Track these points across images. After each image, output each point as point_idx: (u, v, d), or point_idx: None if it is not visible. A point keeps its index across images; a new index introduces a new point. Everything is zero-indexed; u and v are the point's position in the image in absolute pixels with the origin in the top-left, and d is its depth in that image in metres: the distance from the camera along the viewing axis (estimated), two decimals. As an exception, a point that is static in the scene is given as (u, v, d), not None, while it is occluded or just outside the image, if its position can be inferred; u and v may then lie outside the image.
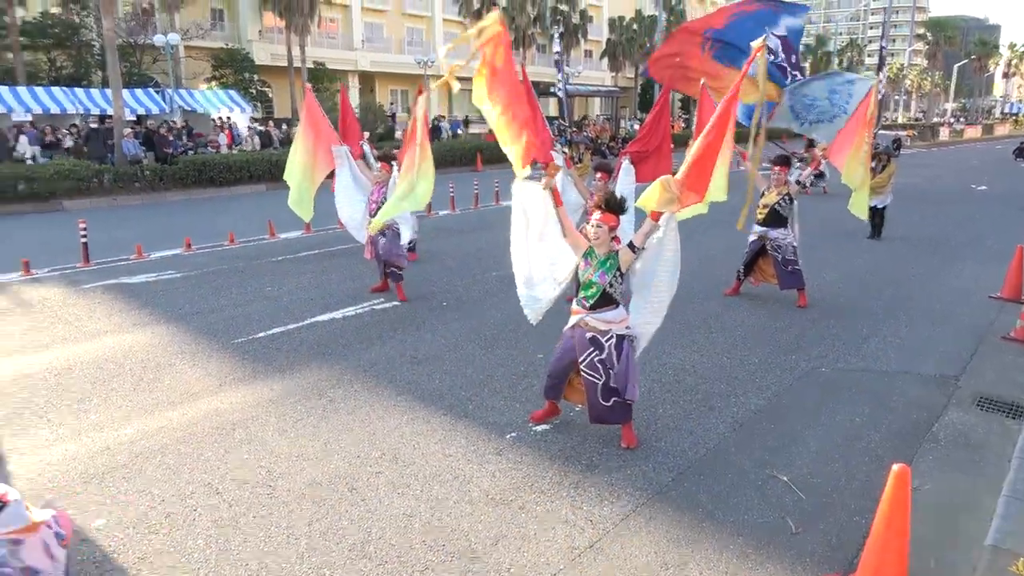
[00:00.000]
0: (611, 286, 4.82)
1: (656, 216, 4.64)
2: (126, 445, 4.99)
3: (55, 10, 30.74)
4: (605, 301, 4.82)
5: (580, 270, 4.89)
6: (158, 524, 4.06)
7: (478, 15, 37.17)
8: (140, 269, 10.40)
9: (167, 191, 19.65)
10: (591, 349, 4.86)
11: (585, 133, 35.93)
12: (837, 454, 4.92)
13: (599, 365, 4.85)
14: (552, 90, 47.10)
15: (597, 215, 4.78)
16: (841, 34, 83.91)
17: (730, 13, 8.53)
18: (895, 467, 3.28)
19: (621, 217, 4.82)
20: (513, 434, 5.19)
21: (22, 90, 25.01)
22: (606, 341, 4.84)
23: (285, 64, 33.78)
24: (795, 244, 8.48)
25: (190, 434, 5.17)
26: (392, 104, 43.82)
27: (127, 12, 30.89)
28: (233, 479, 4.54)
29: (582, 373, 4.91)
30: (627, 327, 4.90)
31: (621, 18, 53.42)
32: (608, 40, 53.73)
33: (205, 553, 3.81)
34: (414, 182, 6.17)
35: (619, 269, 4.81)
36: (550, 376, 5.20)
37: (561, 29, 39.69)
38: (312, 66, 35.24)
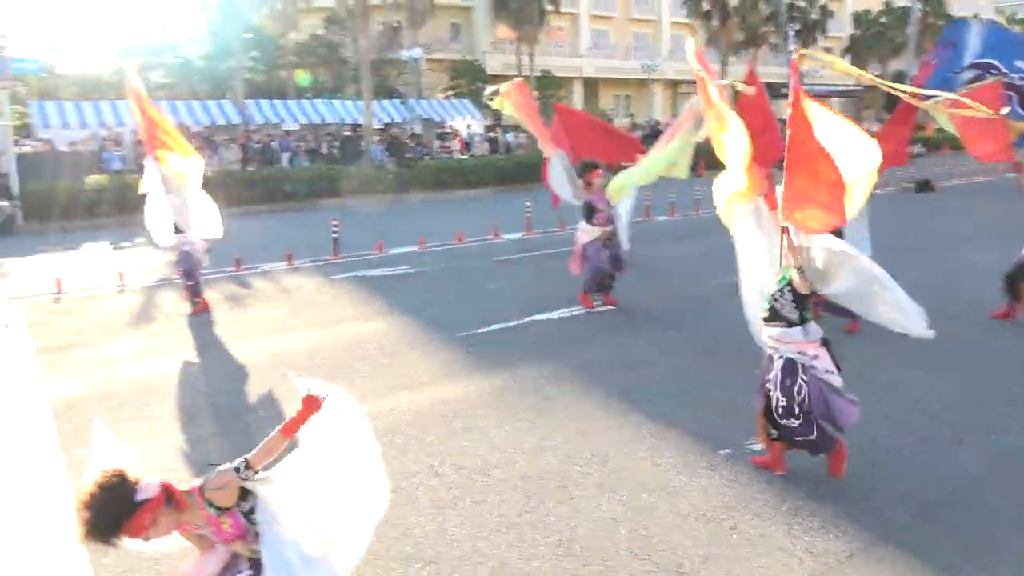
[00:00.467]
0: (776, 300, 4.43)
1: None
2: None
3: (321, 32, 34.78)
4: (773, 316, 4.45)
5: None
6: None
7: (707, 16, 36.18)
8: (380, 264, 11.42)
9: (406, 193, 21.36)
10: (770, 366, 4.59)
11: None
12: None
13: (771, 382, 4.53)
14: (783, 90, 44.65)
15: None
16: None
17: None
18: None
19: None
20: (728, 450, 4.99)
21: (291, 103, 28.59)
22: (776, 360, 4.49)
23: (515, 73, 35.26)
24: None
25: (417, 418, 5.58)
26: (613, 110, 43.99)
27: (379, 30, 34.09)
28: (452, 464, 4.83)
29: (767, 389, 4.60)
30: (801, 352, 4.39)
31: (867, 11, 49.09)
32: (851, 36, 49.67)
33: (425, 529, 4.10)
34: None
35: (790, 285, 4.38)
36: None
37: (797, 27, 37.42)
38: (539, 74, 36.42)
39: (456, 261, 11.62)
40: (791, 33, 34.60)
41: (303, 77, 33.08)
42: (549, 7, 33.65)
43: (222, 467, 2.68)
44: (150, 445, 5.17)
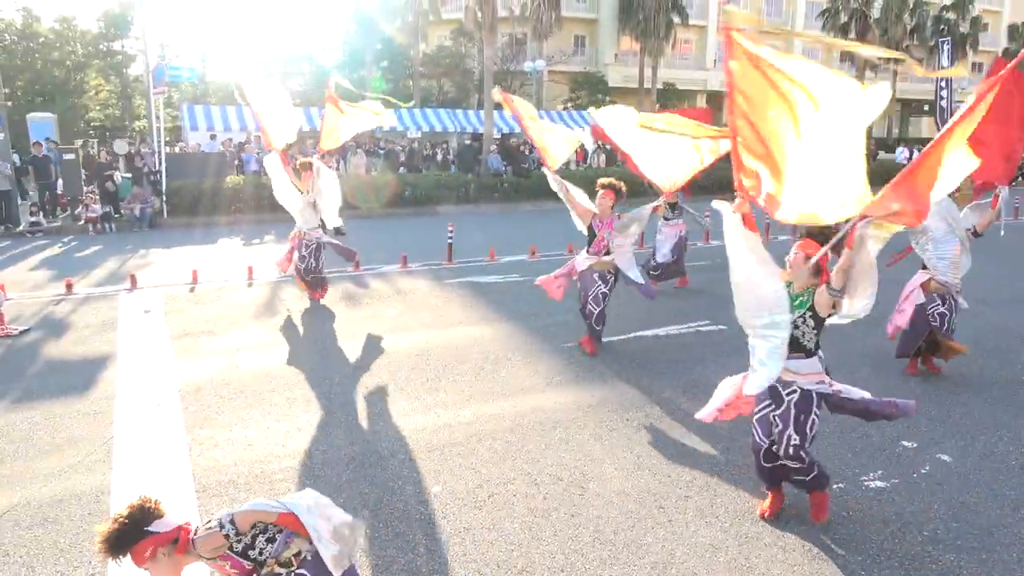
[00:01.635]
0: (798, 328, 3.98)
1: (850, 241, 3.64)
2: (464, 425, 5.59)
3: (447, 43, 35.87)
4: (792, 347, 3.98)
5: None
6: (483, 501, 4.47)
7: (843, 30, 34.53)
8: (491, 270, 11.58)
9: (520, 201, 21.60)
10: (767, 401, 4.14)
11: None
12: None
13: (775, 420, 4.09)
14: (925, 107, 41.93)
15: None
16: None
17: None
18: None
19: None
20: (841, 485, 4.71)
21: (416, 111, 29.57)
22: (787, 395, 4.06)
23: (635, 86, 34.99)
24: None
25: (517, 425, 5.61)
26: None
27: (504, 42, 34.75)
28: (550, 474, 4.82)
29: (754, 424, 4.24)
30: (820, 382, 4.04)
31: (1025, 24, 45.46)
32: (1005, 50, 46.05)
33: (519, 537, 4.10)
34: None
35: (812, 310, 3.97)
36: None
37: (949, 39, 34.97)
38: (661, 86, 35.95)
39: (566, 272, 11.60)
40: (945, 46, 32.29)
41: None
42: (676, 19, 33.17)
43: (211, 527, 2.80)
44: (264, 429, 5.45)
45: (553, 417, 5.77)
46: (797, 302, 4.02)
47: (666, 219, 10.18)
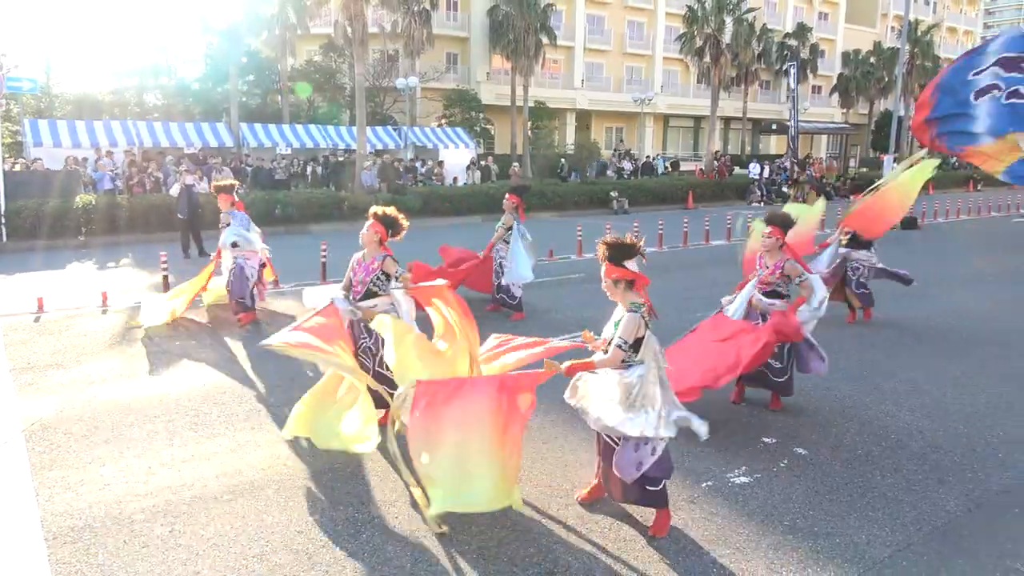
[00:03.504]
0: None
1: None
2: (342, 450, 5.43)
3: (317, 58, 35.11)
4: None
5: None
6: (363, 525, 4.36)
7: (699, 53, 36.71)
8: (367, 289, 11.35)
9: (396, 219, 21.42)
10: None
11: (809, 172, 33.92)
12: (1106, 555, 4.13)
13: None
14: (773, 126, 45.25)
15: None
16: None
17: (928, 95, 7.26)
18: None
19: None
20: (709, 483, 4.95)
21: (285, 127, 28.71)
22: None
23: (508, 103, 35.63)
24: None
25: (399, 447, 5.50)
26: (615, 149, 44.42)
27: (375, 58, 34.43)
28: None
29: (603, 436, 4.39)
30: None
31: (856, 51, 50.10)
32: (840, 75, 50.59)
33: (401, 560, 4.02)
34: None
35: (622, 336, 4.13)
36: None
37: (796, 63, 37.97)
38: (533, 104, 36.80)
39: (444, 288, 11.59)
40: (792, 70, 35.06)
41: (304, 88, 33.29)
42: (545, 40, 34.10)
43: None
44: (123, 467, 5.08)
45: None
46: (615, 325, 4.23)
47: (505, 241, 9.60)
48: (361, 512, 4.52)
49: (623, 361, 4.17)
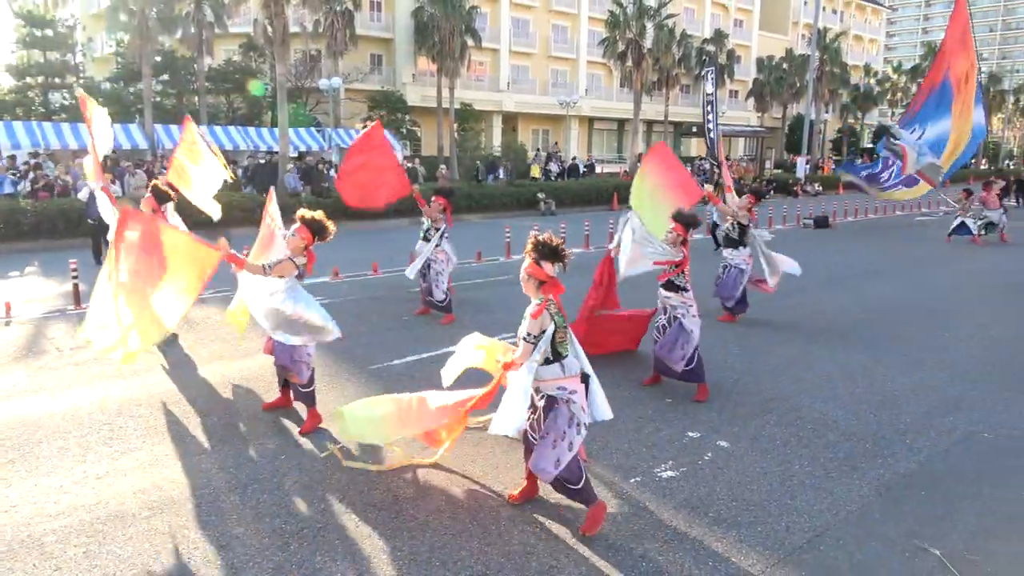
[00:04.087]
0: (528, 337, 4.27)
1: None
2: (270, 459, 5.30)
3: (236, 58, 34.12)
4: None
5: None
6: (290, 537, 4.26)
7: (621, 57, 37.42)
8: (292, 294, 11.10)
9: (321, 223, 21.01)
10: (529, 408, 4.31)
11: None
12: (1000, 531, 4.42)
13: (535, 426, 4.36)
14: (694, 129, 46.59)
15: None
16: (1019, 71, 77.05)
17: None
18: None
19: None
20: (637, 478, 5.06)
21: (203, 129, 27.78)
22: (538, 400, 4.32)
23: (435, 105, 35.49)
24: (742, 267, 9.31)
25: (326, 457, 5.42)
26: (539, 149, 44.77)
27: (297, 59, 33.70)
28: (363, 501, 4.70)
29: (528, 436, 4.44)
30: (560, 387, 4.24)
31: (771, 57, 52.05)
32: (755, 80, 52.45)
33: (331, 570, 3.95)
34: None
35: (528, 330, 4.24)
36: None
37: (714, 68, 39.09)
38: (459, 106, 36.75)
39: (371, 292, 11.46)
40: (709, 75, 36.15)
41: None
42: (470, 42, 34.10)
43: None
44: (31, 487, 4.82)
45: (362, 443, 5.64)
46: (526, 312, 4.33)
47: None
48: (288, 523, 4.42)
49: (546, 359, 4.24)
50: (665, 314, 6.78)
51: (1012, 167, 63.84)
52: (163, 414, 6.18)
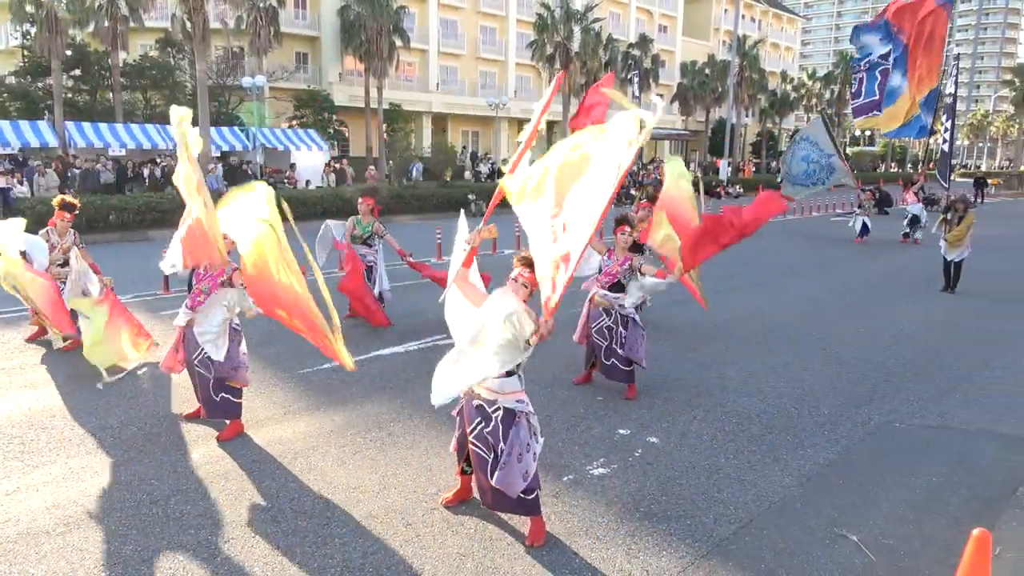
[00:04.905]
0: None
1: None
2: (194, 469, 5.13)
3: (153, 53, 32.84)
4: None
5: None
6: (217, 549, 4.14)
7: (550, 60, 37.80)
8: (216, 298, 10.76)
9: (246, 224, 20.46)
10: (478, 419, 4.26)
11: (655, 175, 35.84)
12: (911, 515, 4.67)
13: (488, 438, 4.22)
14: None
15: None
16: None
17: None
18: (975, 531, 3.07)
19: None
20: (570, 476, 5.12)
21: (119, 127, 26.65)
22: (492, 412, 4.24)
23: (363, 105, 35.02)
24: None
25: (254, 461, 5.28)
26: (464, 146, 44.73)
27: (218, 55, 32.68)
28: (293, 508, 4.60)
29: (470, 445, 4.32)
30: (519, 400, 4.23)
31: (694, 63, 53.52)
32: (679, 84, 53.80)
33: (261, 580, 3.85)
34: None
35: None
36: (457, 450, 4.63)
37: (639, 72, 39.97)
38: (388, 107, 36.39)
39: (300, 295, 11.20)
40: (635, 79, 37.00)
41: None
42: (399, 42, 33.80)
43: None
44: (-67, 507, 4.52)
45: (293, 448, 5.53)
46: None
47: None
48: (214, 534, 4.28)
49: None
50: (609, 316, 6.69)
51: (917, 170, 67.34)
52: (79, 425, 5.89)
